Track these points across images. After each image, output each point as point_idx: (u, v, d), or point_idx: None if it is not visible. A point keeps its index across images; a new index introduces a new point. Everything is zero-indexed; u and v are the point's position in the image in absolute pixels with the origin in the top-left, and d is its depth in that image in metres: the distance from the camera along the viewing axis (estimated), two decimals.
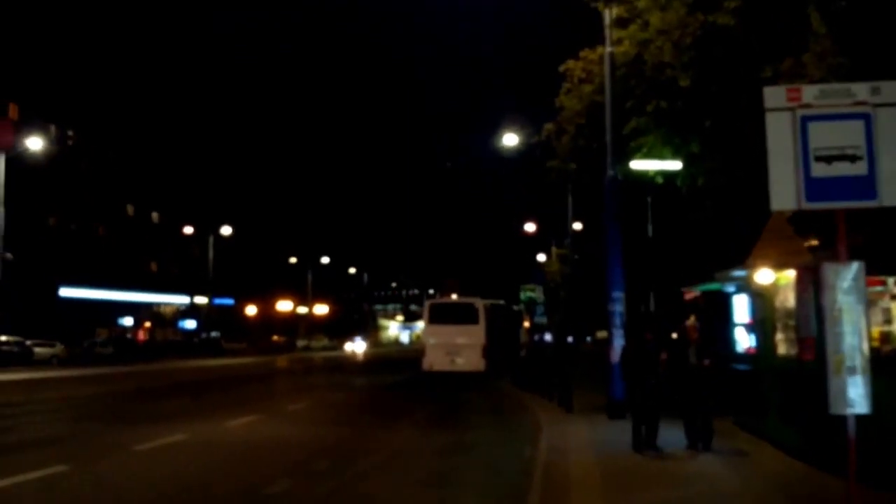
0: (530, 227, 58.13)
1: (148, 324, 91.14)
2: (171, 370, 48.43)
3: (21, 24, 66.77)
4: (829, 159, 7.76)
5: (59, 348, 58.80)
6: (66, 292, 74.80)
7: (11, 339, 54.24)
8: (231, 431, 18.87)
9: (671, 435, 14.07)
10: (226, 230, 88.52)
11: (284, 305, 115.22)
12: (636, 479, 11.78)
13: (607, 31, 19.75)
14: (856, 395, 7.33)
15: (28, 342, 56.25)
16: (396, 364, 57.40)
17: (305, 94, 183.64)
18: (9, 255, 55.75)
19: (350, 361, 69.35)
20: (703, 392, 13.68)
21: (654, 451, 13.64)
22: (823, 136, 7.81)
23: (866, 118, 7.82)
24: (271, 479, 12.60)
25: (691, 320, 14.16)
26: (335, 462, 14.43)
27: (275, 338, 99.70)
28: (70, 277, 74.84)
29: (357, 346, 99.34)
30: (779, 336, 13.83)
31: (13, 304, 56.48)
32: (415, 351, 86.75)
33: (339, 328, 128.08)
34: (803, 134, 7.83)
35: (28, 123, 62.80)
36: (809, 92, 8.02)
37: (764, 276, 13.52)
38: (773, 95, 8.07)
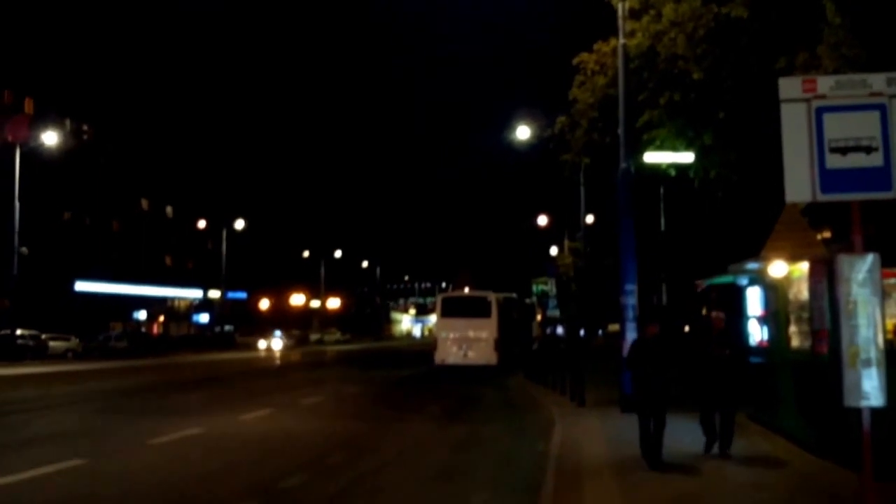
0: (543, 221, 58.08)
1: (162, 318, 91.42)
2: (184, 364, 48.57)
3: (36, 19, 66.88)
4: (844, 150, 7.72)
5: (73, 342, 59.03)
6: (81, 286, 75.04)
7: (27, 332, 54.48)
8: (245, 425, 18.93)
9: (685, 430, 14.04)
10: (239, 224, 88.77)
11: (297, 299, 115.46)
12: (650, 473, 11.75)
13: (620, 23, 19.70)
14: (870, 388, 7.30)
15: (43, 336, 56.49)
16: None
17: (319, 87, 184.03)
18: (24, 250, 56.07)
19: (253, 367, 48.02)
20: (721, 386, 12.78)
21: (659, 463, 12.10)
22: (838, 128, 7.77)
23: (882, 109, 7.77)
24: (286, 472, 12.63)
25: (716, 313, 13.86)
26: (349, 456, 14.45)
27: (288, 331, 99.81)
28: (85, 272, 75.10)
29: (274, 344, 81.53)
30: (792, 329, 13.76)
31: (29, 297, 56.73)
32: (410, 346, 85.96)
33: (352, 322, 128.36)
34: (818, 125, 7.79)
35: (43, 118, 63.06)
36: (825, 83, 7.98)
37: (777, 268, 13.46)
38: (789, 86, 8.03)
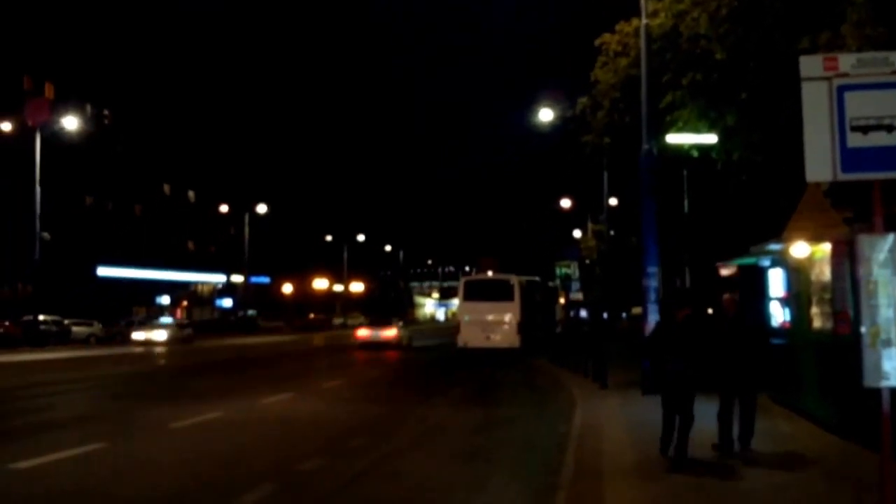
0: (566, 203, 57.93)
1: (185, 302, 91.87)
2: (208, 348, 48.82)
3: (56, 4, 67.11)
4: (865, 129, 7.61)
5: (96, 327, 59.31)
6: (103, 272, 75.45)
7: (49, 318, 54.80)
8: (266, 408, 19.01)
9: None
10: (261, 208, 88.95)
11: (320, 283, 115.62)
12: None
13: (643, 3, 19.62)
14: (891, 368, 7.22)
15: (66, 321, 56.78)
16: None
17: (342, 72, 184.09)
18: (46, 235, 56.37)
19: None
20: (739, 372, 11.68)
21: (684, 463, 10.91)
22: (860, 106, 7.66)
23: None
24: (305, 455, 12.67)
25: (727, 295, 13.30)
26: (370, 438, 14.48)
27: (311, 316, 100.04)
28: (107, 257, 75.52)
29: (157, 335, 54.85)
30: (814, 310, 13.68)
31: (51, 283, 57.04)
32: (433, 330, 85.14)
33: (375, 306, 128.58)
34: (840, 104, 7.68)
35: (64, 102, 63.29)
36: (846, 61, 7.87)
37: (799, 249, 13.35)
38: (810, 64, 7.92)
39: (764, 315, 16.62)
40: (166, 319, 59.80)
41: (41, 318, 52.54)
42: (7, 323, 53.50)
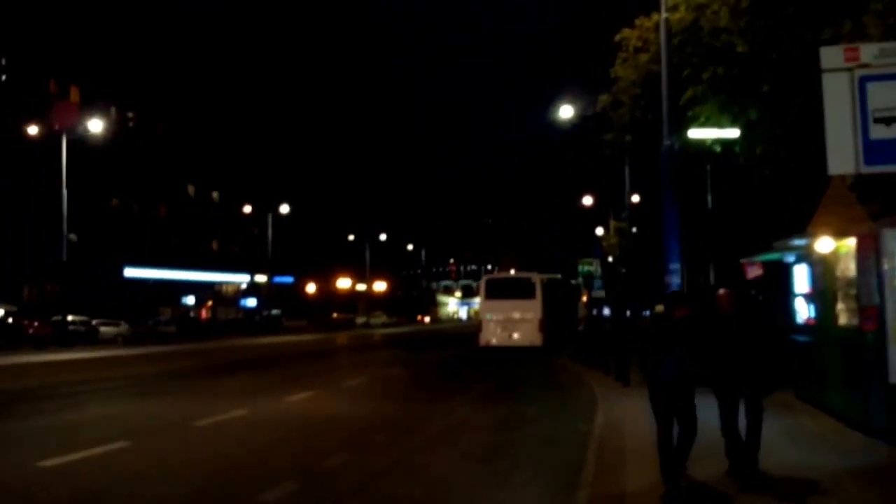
0: (588, 201, 57.68)
1: (210, 302, 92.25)
2: (232, 348, 48.98)
3: (80, 7, 67.50)
4: (888, 121, 7.52)
5: (123, 327, 59.73)
6: (130, 272, 75.96)
7: (77, 318, 55.23)
8: (290, 407, 19.03)
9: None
10: (284, 209, 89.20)
11: (343, 283, 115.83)
12: (693, 451, 11.60)
13: None
14: None
15: (94, 322, 57.27)
16: None
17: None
18: (73, 237, 56.76)
19: None
20: (743, 378, 9.91)
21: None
22: (883, 97, 7.58)
23: None
24: (329, 452, 12.70)
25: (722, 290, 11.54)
26: (392, 436, 14.50)
27: (334, 315, 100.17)
28: (134, 258, 75.96)
29: None
30: (840, 306, 13.52)
31: (79, 284, 57.45)
32: (455, 328, 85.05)
33: (398, 304, 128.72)
34: (861, 95, 7.61)
35: (89, 105, 63.67)
36: (868, 51, 7.79)
37: (824, 244, 13.19)
38: (831, 55, 7.86)
39: (789, 311, 16.50)
40: None
41: (69, 318, 52.94)
42: (36, 323, 53.94)
